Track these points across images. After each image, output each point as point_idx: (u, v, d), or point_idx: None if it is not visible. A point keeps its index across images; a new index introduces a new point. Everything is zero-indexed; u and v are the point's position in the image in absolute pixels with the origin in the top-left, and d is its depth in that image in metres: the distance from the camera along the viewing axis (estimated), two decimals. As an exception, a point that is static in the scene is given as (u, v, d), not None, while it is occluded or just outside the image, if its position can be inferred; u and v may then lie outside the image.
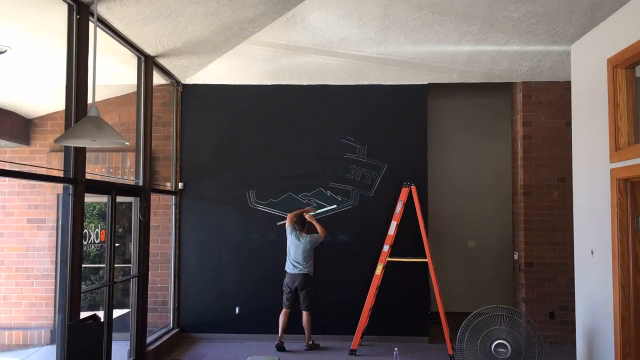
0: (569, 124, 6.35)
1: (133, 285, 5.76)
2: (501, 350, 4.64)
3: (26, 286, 7.08)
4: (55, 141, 3.77)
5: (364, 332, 6.45)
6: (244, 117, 7.05)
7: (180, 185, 7.01)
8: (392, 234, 6.45)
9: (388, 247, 6.44)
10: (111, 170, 7.00)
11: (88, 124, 3.64)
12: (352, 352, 6.24)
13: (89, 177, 4.56)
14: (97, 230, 7.23)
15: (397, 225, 6.48)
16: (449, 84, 6.95)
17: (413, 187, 6.60)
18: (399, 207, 6.50)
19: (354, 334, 6.34)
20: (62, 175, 4.36)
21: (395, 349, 5.24)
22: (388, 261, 6.48)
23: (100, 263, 7.19)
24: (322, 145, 6.97)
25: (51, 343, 6.89)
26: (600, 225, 4.83)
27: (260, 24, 5.47)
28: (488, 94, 8.12)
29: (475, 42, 5.75)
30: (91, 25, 4.36)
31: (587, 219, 5.17)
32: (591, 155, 5.06)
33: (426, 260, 6.44)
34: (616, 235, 4.52)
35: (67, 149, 4.37)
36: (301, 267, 6.33)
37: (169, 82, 6.84)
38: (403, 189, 6.61)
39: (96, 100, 3.95)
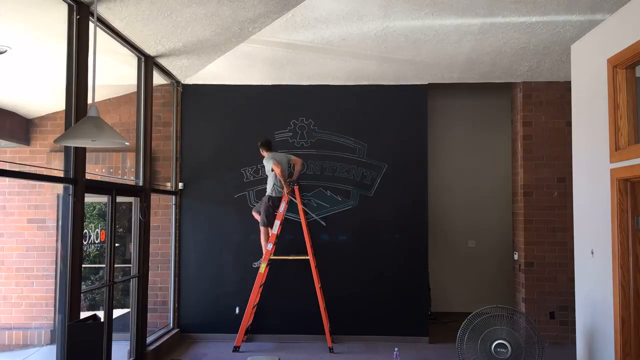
0: (569, 124, 6.35)
1: (133, 285, 5.76)
2: (501, 350, 4.64)
3: (26, 286, 7.08)
4: (55, 141, 3.76)
5: (247, 329, 6.49)
6: (244, 117, 7.05)
7: (180, 185, 7.01)
8: (276, 232, 6.44)
9: (272, 245, 6.42)
10: (111, 170, 7.00)
11: (88, 124, 3.65)
12: (236, 349, 6.26)
13: (89, 177, 4.56)
14: (97, 230, 7.23)
15: (280, 224, 6.43)
16: (449, 84, 6.95)
17: (296, 187, 6.55)
18: (282, 207, 6.46)
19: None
20: (62, 175, 4.36)
21: (396, 349, 5.25)
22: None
23: (100, 263, 7.20)
24: (322, 145, 6.97)
25: (51, 343, 6.89)
26: (600, 225, 4.83)
27: (260, 24, 5.46)
28: (488, 94, 8.12)
29: (476, 42, 5.75)
30: (91, 25, 4.36)
31: (587, 219, 5.17)
32: (591, 155, 5.06)
33: (308, 257, 6.44)
34: (616, 235, 4.52)
35: (67, 149, 4.36)
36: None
37: (169, 82, 6.84)
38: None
39: (96, 100, 3.95)
